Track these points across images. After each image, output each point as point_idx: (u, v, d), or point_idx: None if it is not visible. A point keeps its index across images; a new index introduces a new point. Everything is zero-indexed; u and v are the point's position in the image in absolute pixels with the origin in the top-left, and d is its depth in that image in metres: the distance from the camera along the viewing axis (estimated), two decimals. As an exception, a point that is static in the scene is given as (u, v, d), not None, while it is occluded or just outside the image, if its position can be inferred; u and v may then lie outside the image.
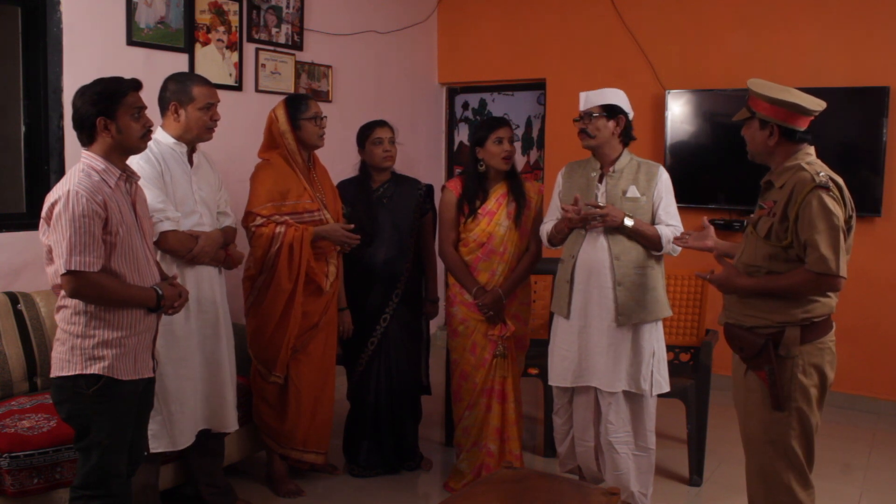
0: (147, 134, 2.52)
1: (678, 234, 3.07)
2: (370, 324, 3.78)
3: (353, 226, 3.53)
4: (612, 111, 3.18)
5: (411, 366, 3.89)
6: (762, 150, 2.65)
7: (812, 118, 2.58)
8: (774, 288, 2.55)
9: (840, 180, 2.54)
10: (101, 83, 2.46)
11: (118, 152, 2.48)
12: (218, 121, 3.15)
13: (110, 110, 2.42)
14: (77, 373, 2.40)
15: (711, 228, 2.95)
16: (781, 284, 2.53)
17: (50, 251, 2.42)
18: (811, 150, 2.62)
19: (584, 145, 3.25)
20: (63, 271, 2.34)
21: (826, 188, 2.45)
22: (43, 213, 2.41)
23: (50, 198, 2.40)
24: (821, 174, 2.49)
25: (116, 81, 2.48)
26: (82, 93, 2.44)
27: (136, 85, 2.50)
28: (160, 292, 2.52)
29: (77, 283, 2.35)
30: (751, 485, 2.70)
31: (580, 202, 3.12)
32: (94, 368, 2.40)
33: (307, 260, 3.40)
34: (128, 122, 2.45)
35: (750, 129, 2.66)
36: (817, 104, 2.57)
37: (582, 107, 3.22)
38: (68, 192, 2.35)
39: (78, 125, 2.45)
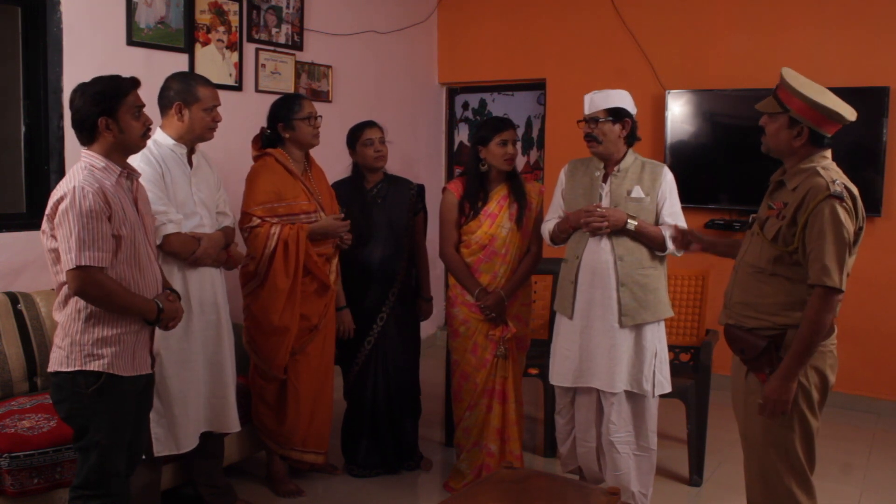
0: (147, 132, 2.53)
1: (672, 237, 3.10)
2: (367, 323, 3.78)
3: (342, 215, 3.53)
4: (617, 115, 3.14)
5: (409, 364, 3.89)
6: (783, 148, 2.54)
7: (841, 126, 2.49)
8: (805, 339, 2.42)
9: (854, 190, 2.45)
10: (100, 82, 2.45)
11: (119, 151, 2.48)
12: (219, 122, 3.15)
13: (112, 110, 2.41)
14: (76, 369, 2.39)
15: (692, 233, 2.99)
16: (806, 333, 2.41)
17: (54, 249, 2.40)
18: (828, 152, 2.53)
19: (591, 151, 3.22)
20: (72, 266, 2.31)
21: (840, 198, 2.38)
22: (47, 211, 2.39)
23: (54, 195, 2.39)
24: (836, 182, 2.40)
25: (116, 80, 2.47)
26: (82, 92, 2.43)
27: (135, 83, 2.50)
28: (161, 306, 2.51)
29: (84, 280, 2.33)
30: (751, 489, 2.68)
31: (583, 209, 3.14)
32: (94, 366, 2.40)
33: (304, 256, 3.38)
34: (129, 122, 2.45)
35: (776, 123, 2.52)
36: (851, 113, 2.47)
37: (587, 110, 3.16)
38: (74, 188, 2.33)
39: (78, 125, 2.44)
